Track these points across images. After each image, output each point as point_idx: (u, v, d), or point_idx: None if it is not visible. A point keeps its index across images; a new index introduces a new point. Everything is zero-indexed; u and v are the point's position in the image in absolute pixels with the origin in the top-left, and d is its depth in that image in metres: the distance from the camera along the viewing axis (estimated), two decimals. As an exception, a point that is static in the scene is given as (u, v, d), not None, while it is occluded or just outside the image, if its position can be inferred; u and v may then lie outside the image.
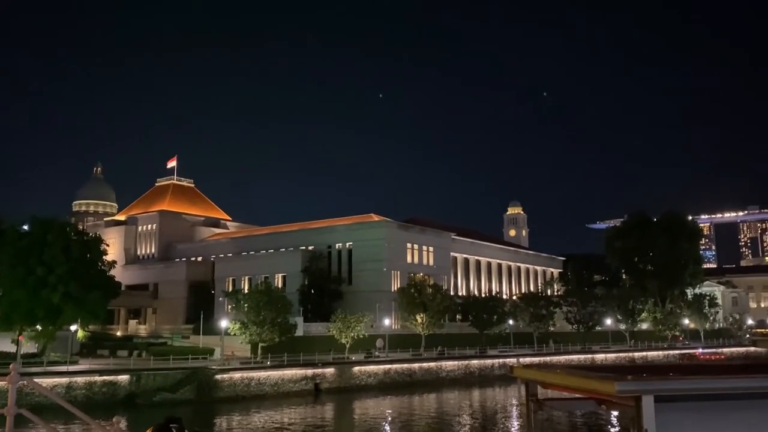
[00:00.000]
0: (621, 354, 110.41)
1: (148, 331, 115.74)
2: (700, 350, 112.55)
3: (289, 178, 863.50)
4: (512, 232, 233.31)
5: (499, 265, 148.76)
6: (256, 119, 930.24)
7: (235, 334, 76.69)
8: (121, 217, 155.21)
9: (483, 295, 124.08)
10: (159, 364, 70.11)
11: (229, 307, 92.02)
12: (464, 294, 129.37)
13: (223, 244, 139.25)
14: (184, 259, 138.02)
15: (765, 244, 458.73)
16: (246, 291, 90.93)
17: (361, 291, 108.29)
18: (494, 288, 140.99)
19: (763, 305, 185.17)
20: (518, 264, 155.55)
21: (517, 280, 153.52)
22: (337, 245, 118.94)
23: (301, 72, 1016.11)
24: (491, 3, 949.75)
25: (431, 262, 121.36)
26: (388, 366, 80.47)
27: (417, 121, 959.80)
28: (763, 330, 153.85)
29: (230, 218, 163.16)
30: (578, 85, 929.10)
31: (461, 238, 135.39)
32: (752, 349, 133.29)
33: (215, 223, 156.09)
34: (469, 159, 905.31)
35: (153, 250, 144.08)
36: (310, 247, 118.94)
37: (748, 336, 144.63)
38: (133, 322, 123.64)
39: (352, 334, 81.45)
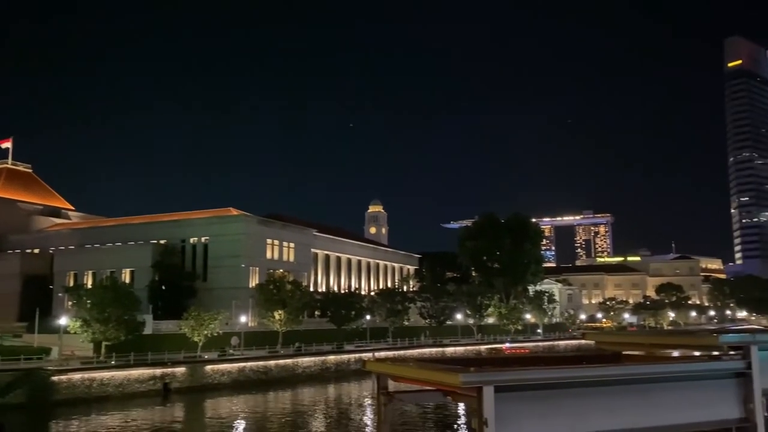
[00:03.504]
0: (469, 347, 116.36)
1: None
2: (507, 344, 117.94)
3: (143, 170, 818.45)
4: (373, 230, 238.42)
5: (359, 262, 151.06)
6: (112, 105, 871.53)
7: (75, 333, 71.48)
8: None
9: (343, 291, 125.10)
10: (-16, 366, 63.47)
11: (70, 303, 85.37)
12: (324, 290, 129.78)
13: (65, 235, 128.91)
14: (18, 250, 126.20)
15: (597, 246, 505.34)
16: (89, 286, 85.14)
17: (217, 287, 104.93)
18: (354, 284, 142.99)
19: (594, 301, 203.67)
20: (377, 261, 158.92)
21: (375, 276, 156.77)
22: (191, 240, 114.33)
23: (168, 58, 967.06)
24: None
25: (292, 259, 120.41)
26: (242, 364, 78.78)
27: (282, 118, 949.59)
28: (592, 324, 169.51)
29: (73, 208, 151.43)
30: (435, 84, 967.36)
31: (323, 235, 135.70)
32: (583, 341, 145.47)
33: (55, 212, 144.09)
34: (334, 158, 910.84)
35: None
36: (162, 241, 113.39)
37: (580, 330, 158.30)
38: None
39: (206, 332, 78.80)
